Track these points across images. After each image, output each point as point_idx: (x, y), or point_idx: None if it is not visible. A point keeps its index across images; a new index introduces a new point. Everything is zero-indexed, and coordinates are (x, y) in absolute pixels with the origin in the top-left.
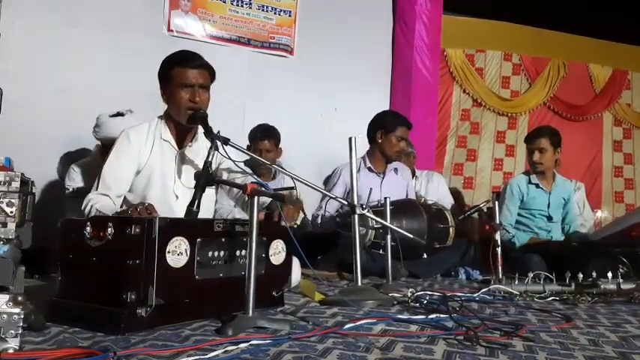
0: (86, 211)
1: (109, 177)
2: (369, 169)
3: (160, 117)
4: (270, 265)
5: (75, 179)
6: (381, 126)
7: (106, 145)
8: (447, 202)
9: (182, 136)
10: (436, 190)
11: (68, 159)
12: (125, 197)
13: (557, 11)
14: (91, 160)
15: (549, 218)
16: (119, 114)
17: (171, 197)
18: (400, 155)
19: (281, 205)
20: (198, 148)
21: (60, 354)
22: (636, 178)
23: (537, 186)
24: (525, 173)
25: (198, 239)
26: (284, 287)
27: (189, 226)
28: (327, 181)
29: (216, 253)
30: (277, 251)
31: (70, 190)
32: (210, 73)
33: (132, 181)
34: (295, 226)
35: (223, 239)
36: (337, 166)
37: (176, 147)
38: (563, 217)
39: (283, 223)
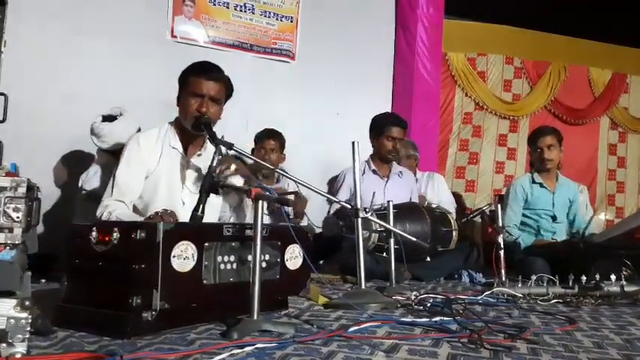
0: (103, 217)
1: (122, 183)
2: (374, 171)
3: (171, 123)
4: (286, 270)
5: (91, 181)
6: (372, 128)
7: (116, 152)
8: (449, 201)
9: (191, 144)
10: (437, 190)
11: (73, 165)
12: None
13: (558, 15)
14: (108, 163)
15: (554, 218)
16: (112, 117)
17: (178, 203)
18: (395, 155)
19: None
20: (208, 157)
21: (67, 358)
22: (627, 182)
23: (541, 185)
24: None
25: (206, 244)
26: (301, 292)
27: (196, 230)
28: (330, 184)
29: (225, 258)
30: (294, 256)
31: (88, 190)
32: (227, 88)
33: (142, 186)
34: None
35: (233, 244)
36: (341, 170)
37: (184, 154)
38: (572, 220)
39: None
